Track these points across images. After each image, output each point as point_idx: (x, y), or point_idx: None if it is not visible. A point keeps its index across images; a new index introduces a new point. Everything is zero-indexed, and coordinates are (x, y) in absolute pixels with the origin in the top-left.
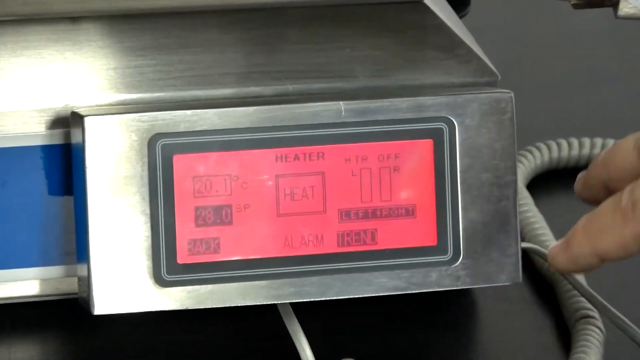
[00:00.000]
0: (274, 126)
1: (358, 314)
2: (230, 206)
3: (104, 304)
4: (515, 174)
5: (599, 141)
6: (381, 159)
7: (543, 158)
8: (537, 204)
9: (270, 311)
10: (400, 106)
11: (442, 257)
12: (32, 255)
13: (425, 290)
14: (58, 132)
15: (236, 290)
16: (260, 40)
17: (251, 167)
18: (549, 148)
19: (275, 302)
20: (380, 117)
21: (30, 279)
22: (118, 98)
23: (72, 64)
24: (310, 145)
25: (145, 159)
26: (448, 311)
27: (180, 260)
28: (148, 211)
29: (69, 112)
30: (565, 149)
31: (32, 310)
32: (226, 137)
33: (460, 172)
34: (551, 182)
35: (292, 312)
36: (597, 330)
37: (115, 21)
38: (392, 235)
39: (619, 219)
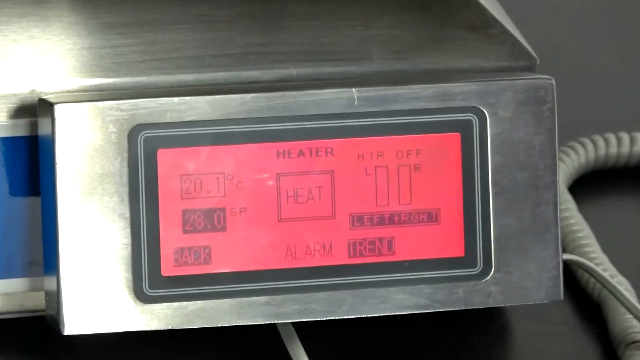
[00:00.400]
0: (274, 116)
1: (372, 337)
2: (223, 209)
3: (75, 323)
4: (556, 173)
5: None
6: (400, 156)
7: (588, 156)
8: (580, 210)
9: (269, 332)
10: (422, 94)
11: (470, 270)
12: None
13: (450, 309)
14: (23, 122)
15: (230, 308)
16: (259, 16)
17: (248, 164)
18: (595, 144)
19: (276, 322)
20: (399, 107)
21: None
22: (93, 83)
23: (39, 43)
24: (318, 139)
25: (125, 154)
26: (477, 334)
27: (165, 272)
28: (128, 215)
29: (36, 98)
30: (613, 145)
31: None
32: (219, 129)
33: (492, 171)
34: (597, 183)
35: (295, 333)
36: None
37: None
38: (412, 244)
39: None
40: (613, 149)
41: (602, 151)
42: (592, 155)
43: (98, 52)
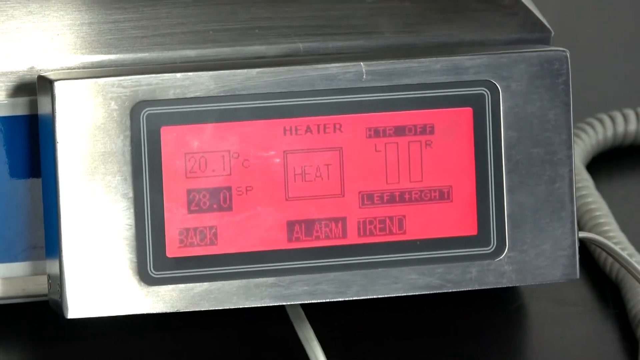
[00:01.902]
0: (281, 92)
1: (382, 318)
2: (229, 188)
3: (79, 307)
4: (571, 148)
5: None
6: (410, 132)
7: (606, 133)
8: (598, 187)
9: (278, 314)
10: (433, 68)
11: (483, 249)
12: None
13: (463, 289)
14: (22, 100)
15: (237, 290)
16: None
17: (254, 141)
18: (613, 121)
19: (284, 304)
20: (409, 81)
21: None
22: (94, 59)
23: (37, 19)
24: (325, 114)
25: (128, 132)
26: (491, 315)
27: (170, 253)
28: (131, 194)
29: (35, 76)
30: (632, 122)
31: None
32: (224, 106)
33: (505, 146)
34: (615, 161)
35: (304, 315)
36: None
37: None
38: (423, 223)
39: None
40: (632, 126)
41: (620, 128)
42: (610, 132)
43: (98, 28)
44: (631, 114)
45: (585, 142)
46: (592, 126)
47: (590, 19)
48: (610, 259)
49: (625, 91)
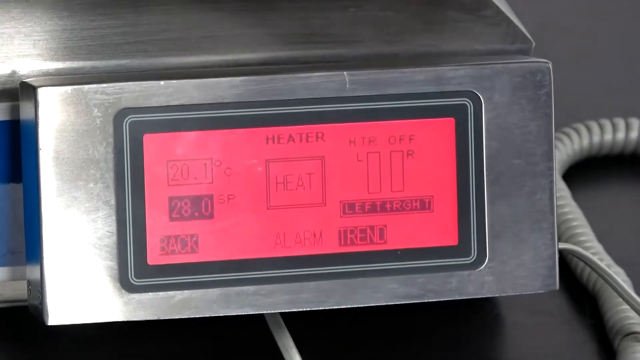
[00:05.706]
0: (264, 101)
1: (362, 327)
2: (211, 196)
3: (59, 313)
4: (552, 160)
5: None
6: (392, 141)
7: (582, 142)
8: (574, 197)
9: (257, 322)
10: (415, 78)
11: (464, 259)
12: None
13: (443, 299)
14: (3, 105)
15: (218, 298)
16: None
17: (236, 149)
18: (589, 130)
19: (264, 312)
20: (392, 91)
21: None
22: (75, 65)
23: (20, 24)
24: (308, 123)
25: (111, 139)
26: (468, 324)
27: (152, 261)
28: (113, 202)
29: (17, 81)
30: (609, 132)
31: None
32: (207, 114)
33: (487, 157)
34: (591, 171)
35: (283, 323)
36: None
37: None
38: (404, 233)
39: None
40: (608, 136)
41: (597, 138)
42: (586, 142)
43: (80, 34)
44: (607, 123)
45: (562, 151)
46: (569, 135)
47: (565, 28)
48: (587, 270)
49: (601, 101)
